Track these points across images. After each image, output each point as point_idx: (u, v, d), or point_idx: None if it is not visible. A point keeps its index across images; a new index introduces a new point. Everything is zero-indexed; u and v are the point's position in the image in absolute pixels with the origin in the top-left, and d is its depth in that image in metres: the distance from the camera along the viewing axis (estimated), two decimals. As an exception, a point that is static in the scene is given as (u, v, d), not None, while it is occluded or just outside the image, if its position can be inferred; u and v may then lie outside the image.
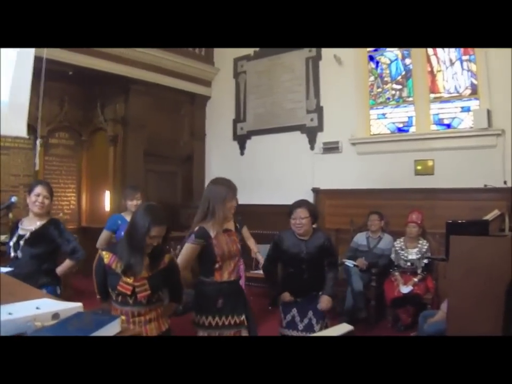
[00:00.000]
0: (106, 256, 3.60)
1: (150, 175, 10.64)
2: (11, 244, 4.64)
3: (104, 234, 6.21)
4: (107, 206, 10.21)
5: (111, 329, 2.17)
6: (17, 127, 6.92)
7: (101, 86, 10.35)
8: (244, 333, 4.19)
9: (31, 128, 7.83)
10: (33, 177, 9.60)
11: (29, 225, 4.70)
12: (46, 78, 6.98)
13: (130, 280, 3.51)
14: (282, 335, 4.90)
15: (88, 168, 10.89)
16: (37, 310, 2.32)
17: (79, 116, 10.76)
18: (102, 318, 2.20)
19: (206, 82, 11.82)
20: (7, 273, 4.06)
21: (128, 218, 6.12)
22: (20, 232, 4.66)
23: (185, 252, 4.12)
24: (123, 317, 3.44)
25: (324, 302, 4.82)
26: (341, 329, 2.26)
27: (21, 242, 4.59)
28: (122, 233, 6.04)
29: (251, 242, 6.64)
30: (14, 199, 4.95)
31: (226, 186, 4.23)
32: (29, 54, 6.79)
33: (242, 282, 5.45)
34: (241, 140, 11.34)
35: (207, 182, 11.53)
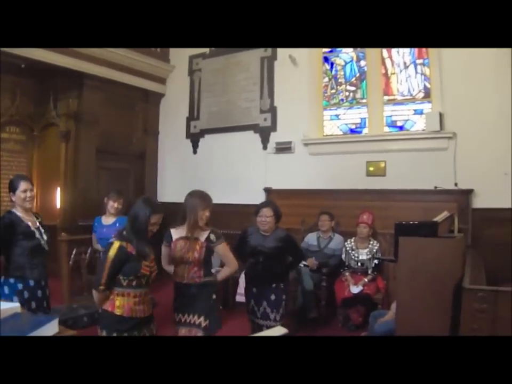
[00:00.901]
0: (127, 245, 3.82)
1: (102, 172, 10.51)
2: (45, 238, 4.93)
3: (93, 236, 7.08)
4: (58, 203, 10.07)
5: (49, 329, 2.14)
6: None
7: (54, 80, 10.16)
8: (198, 333, 4.46)
9: (-19, 121, 7.69)
10: (-18, 172, 9.44)
11: (31, 218, 4.92)
12: (-3, 70, 6.85)
13: (147, 263, 3.94)
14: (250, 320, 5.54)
15: (39, 164, 10.70)
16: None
17: (31, 110, 10.56)
18: (40, 319, 2.17)
19: (160, 80, 11.73)
20: None
21: (103, 220, 6.88)
22: (31, 226, 4.84)
23: (162, 250, 4.69)
24: (136, 299, 3.87)
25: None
26: (276, 331, 2.27)
27: (44, 236, 4.92)
28: (96, 234, 6.63)
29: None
30: None
31: (199, 198, 4.66)
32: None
33: None
34: (194, 138, 11.27)
35: (159, 179, 11.56)
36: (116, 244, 3.79)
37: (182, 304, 4.52)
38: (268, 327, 5.17)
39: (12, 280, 4.65)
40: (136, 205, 4.00)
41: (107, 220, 6.77)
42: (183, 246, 4.52)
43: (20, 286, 4.64)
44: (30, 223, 4.80)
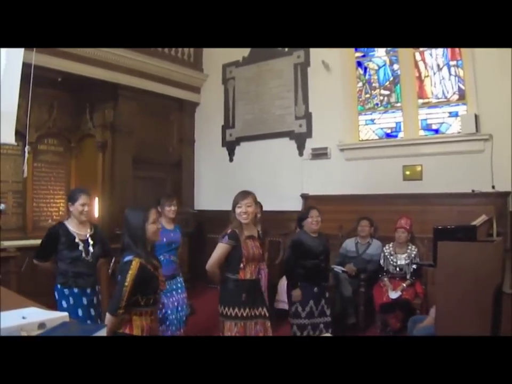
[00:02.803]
0: (146, 263, 3.73)
1: (139, 182, 10.58)
2: (91, 250, 5.03)
3: None
4: (96, 213, 10.17)
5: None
6: (5, 134, 6.89)
7: (90, 92, 10.28)
8: (266, 323, 4.83)
9: (20, 134, 7.79)
10: (22, 183, 9.57)
11: (81, 230, 5.06)
12: (34, 84, 6.95)
13: (161, 277, 3.93)
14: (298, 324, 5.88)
15: (77, 174, 10.81)
16: (23, 320, 2.31)
17: (68, 122, 10.68)
18: (88, 327, 2.20)
19: (194, 89, 11.80)
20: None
21: (165, 224, 6.41)
22: (77, 237, 4.98)
23: (219, 250, 4.74)
24: (152, 317, 3.83)
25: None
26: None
27: (90, 248, 5.02)
28: (164, 239, 6.20)
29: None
30: (2, 206, 5.07)
31: (238, 195, 4.92)
32: (17, 59, 6.77)
33: (264, 282, 6.26)
34: (230, 146, 11.33)
35: (196, 188, 11.59)
36: (136, 262, 3.62)
37: (252, 299, 4.72)
38: (326, 324, 5.90)
39: (59, 286, 4.88)
40: (124, 219, 3.93)
41: (167, 225, 6.53)
42: (252, 245, 4.77)
43: (66, 291, 4.83)
44: (77, 235, 4.95)
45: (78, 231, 5.00)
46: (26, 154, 7.55)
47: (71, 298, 4.82)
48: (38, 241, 8.49)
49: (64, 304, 4.82)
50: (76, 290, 4.86)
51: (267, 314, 4.84)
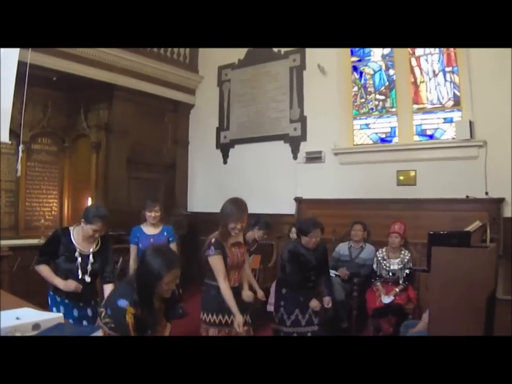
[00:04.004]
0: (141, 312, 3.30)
1: (133, 182, 10.58)
2: (89, 268, 4.75)
3: (132, 249, 6.53)
4: (87, 212, 10.15)
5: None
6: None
7: (85, 92, 10.28)
8: (250, 329, 4.77)
9: (14, 133, 7.76)
10: (15, 183, 9.55)
11: (85, 244, 4.74)
12: (29, 83, 6.93)
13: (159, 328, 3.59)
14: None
15: (70, 174, 10.80)
16: (17, 320, 2.30)
17: (62, 122, 10.67)
18: (83, 329, 2.19)
19: (190, 90, 11.81)
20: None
21: (145, 229, 6.54)
22: (77, 251, 4.70)
23: (217, 264, 4.56)
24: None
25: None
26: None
27: (89, 267, 4.74)
28: (140, 245, 6.23)
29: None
30: None
31: (234, 208, 4.71)
32: (12, 58, 6.75)
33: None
34: (224, 148, 11.32)
35: (189, 189, 11.58)
36: (130, 312, 3.21)
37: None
38: (313, 333, 5.68)
39: (51, 292, 4.72)
40: (146, 256, 3.40)
41: (150, 229, 6.51)
42: (237, 252, 4.71)
43: (58, 298, 4.67)
44: (78, 249, 4.65)
45: (81, 244, 4.70)
46: (20, 153, 7.50)
47: (61, 308, 4.63)
48: (31, 241, 8.54)
49: (54, 310, 4.57)
50: (67, 301, 4.65)
51: (250, 321, 4.77)
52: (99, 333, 2.22)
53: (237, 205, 4.74)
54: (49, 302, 4.73)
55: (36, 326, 2.26)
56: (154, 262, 3.30)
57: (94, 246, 4.75)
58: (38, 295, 5.09)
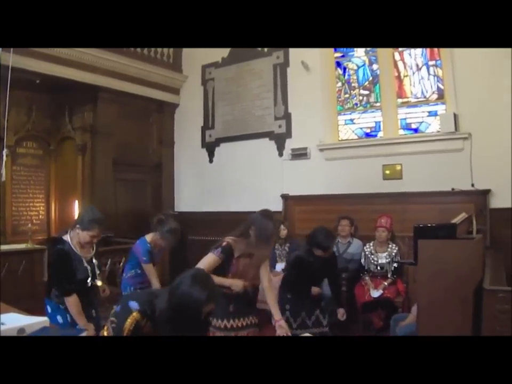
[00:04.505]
0: (145, 324, 2.85)
1: (119, 184, 10.56)
2: (97, 271, 4.56)
3: (150, 268, 5.74)
4: (76, 216, 10.12)
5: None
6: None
7: (69, 94, 10.25)
8: (255, 330, 4.58)
9: (-3, 137, 7.74)
10: (0, 187, 9.51)
11: (84, 250, 4.43)
12: (12, 86, 6.90)
13: None
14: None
15: (57, 177, 10.78)
16: (1, 326, 2.29)
17: (47, 125, 10.65)
18: (68, 332, 2.18)
19: (174, 90, 11.78)
20: None
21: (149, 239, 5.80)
22: (84, 260, 4.40)
23: (207, 261, 4.25)
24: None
25: None
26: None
27: (96, 270, 4.53)
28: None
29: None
30: None
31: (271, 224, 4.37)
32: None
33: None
34: (210, 147, 11.31)
35: (176, 189, 11.57)
36: (134, 317, 2.80)
37: (240, 310, 4.43)
38: (323, 334, 5.52)
39: (48, 300, 4.36)
40: (184, 282, 2.85)
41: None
42: (245, 263, 4.41)
43: (61, 306, 4.29)
44: (82, 257, 4.34)
45: (81, 250, 4.35)
46: (4, 158, 7.49)
47: (68, 315, 4.27)
48: (18, 246, 8.49)
49: (59, 318, 4.28)
50: (62, 306, 4.28)
51: (257, 322, 4.61)
52: (84, 335, 2.21)
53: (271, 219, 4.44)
54: (49, 310, 4.30)
55: (20, 330, 2.26)
56: (197, 288, 2.82)
57: (92, 249, 4.49)
58: (26, 300, 5.07)
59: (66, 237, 4.35)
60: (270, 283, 4.60)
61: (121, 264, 7.91)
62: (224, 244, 4.34)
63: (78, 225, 4.25)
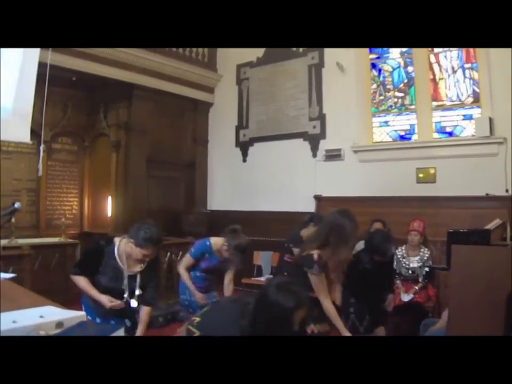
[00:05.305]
0: None
1: (153, 181, 10.64)
2: (137, 292, 4.11)
3: (188, 260, 5.56)
4: (109, 212, 10.23)
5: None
6: (21, 133, 6.94)
7: (104, 92, 10.40)
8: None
9: (34, 133, 7.83)
10: (36, 182, 9.64)
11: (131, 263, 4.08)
12: (49, 84, 6.99)
13: None
14: None
15: (90, 173, 10.90)
16: (40, 319, 2.32)
17: (82, 121, 10.78)
18: (105, 327, 2.20)
19: (208, 89, 11.84)
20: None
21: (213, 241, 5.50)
22: (123, 270, 4.07)
23: (321, 284, 4.12)
24: None
25: None
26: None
27: (136, 291, 4.09)
28: (203, 265, 5.46)
29: None
30: (17, 205, 4.71)
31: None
32: (33, 59, 6.81)
33: None
34: (243, 146, 11.35)
35: (209, 188, 11.60)
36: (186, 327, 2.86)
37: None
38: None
39: (84, 300, 4.15)
40: (270, 291, 2.73)
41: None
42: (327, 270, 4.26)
43: (94, 310, 4.04)
44: (123, 268, 4.01)
45: (126, 261, 4.02)
46: (41, 153, 7.57)
47: (97, 319, 4.05)
48: (51, 240, 8.62)
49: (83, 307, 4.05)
50: (98, 320, 4.04)
51: (329, 330, 4.37)
52: (120, 333, 2.23)
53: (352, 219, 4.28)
54: (83, 308, 4.06)
55: (59, 324, 2.28)
56: (282, 294, 2.68)
57: (140, 266, 4.06)
58: (59, 293, 5.13)
59: (117, 240, 4.08)
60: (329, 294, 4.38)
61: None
62: (316, 258, 4.12)
63: (131, 240, 3.90)
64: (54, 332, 2.22)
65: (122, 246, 4.01)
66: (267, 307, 2.65)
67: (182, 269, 5.51)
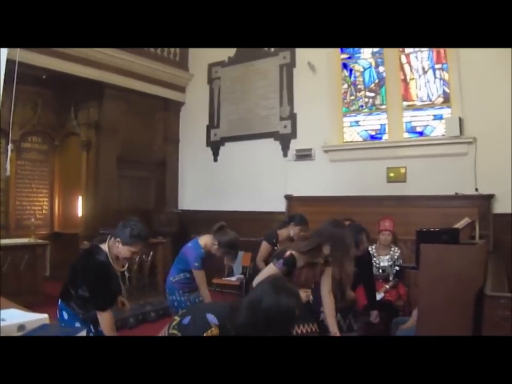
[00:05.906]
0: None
1: (123, 180, 10.57)
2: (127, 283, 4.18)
3: (202, 276, 5.40)
4: (80, 212, 10.16)
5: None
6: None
7: (75, 90, 10.31)
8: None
9: (3, 132, 7.75)
10: (5, 181, 9.52)
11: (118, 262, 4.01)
12: (18, 82, 6.90)
13: None
14: None
15: (61, 173, 10.84)
16: (2, 322, 2.29)
17: (52, 120, 10.70)
18: (67, 329, 2.18)
19: (180, 88, 11.81)
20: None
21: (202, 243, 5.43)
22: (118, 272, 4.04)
23: (267, 272, 4.10)
24: None
25: None
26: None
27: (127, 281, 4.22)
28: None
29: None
30: None
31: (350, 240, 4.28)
32: (1, 56, 6.72)
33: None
34: (214, 146, 11.32)
35: (180, 187, 11.56)
36: (212, 333, 2.58)
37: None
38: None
39: (63, 303, 3.94)
40: (267, 292, 2.59)
41: None
42: (307, 272, 4.32)
43: (82, 316, 3.89)
44: (117, 271, 3.93)
45: (116, 262, 3.91)
46: (9, 152, 7.48)
47: (75, 319, 3.90)
48: (21, 240, 8.52)
49: (65, 315, 3.90)
50: (82, 316, 3.90)
51: (317, 330, 4.56)
52: (83, 333, 2.20)
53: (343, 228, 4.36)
54: (66, 316, 3.88)
55: (21, 327, 2.26)
56: (281, 302, 2.56)
57: (126, 263, 4.04)
58: (28, 295, 5.06)
59: (104, 247, 3.89)
60: (329, 293, 4.52)
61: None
62: (287, 254, 4.20)
63: (118, 239, 3.79)
64: (15, 334, 2.19)
65: (110, 247, 3.87)
66: (269, 308, 2.53)
67: (203, 287, 5.35)
